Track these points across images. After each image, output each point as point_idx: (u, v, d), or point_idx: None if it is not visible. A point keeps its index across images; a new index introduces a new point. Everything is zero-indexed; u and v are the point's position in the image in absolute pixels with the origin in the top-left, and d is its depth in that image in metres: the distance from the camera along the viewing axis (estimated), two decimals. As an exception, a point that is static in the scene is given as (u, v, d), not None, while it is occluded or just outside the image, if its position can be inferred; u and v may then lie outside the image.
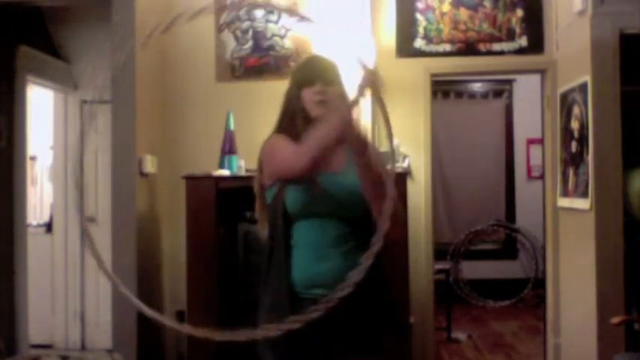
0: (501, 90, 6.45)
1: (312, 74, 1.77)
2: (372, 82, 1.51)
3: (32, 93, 4.51)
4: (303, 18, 1.59)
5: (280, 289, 1.68)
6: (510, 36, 3.84)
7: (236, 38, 3.93)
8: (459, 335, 4.88)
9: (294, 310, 1.63)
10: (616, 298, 3.03)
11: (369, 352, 1.72)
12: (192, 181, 3.38)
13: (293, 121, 1.79)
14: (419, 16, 3.86)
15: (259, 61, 3.89)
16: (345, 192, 1.69)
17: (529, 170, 6.41)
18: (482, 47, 3.85)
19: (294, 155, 1.62)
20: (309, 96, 1.76)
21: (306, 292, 1.66)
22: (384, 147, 3.69)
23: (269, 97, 3.87)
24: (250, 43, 3.91)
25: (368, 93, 1.58)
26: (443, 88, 6.19)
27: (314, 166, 1.58)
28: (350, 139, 1.57)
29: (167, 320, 1.29)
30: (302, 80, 1.78)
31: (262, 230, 1.81)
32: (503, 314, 5.78)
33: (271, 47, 3.89)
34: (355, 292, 1.64)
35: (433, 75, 3.85)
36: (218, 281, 3.26)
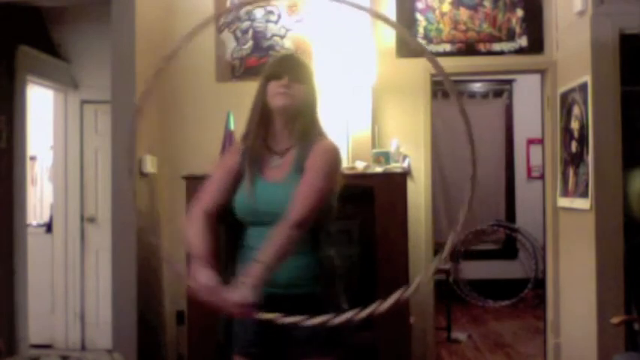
0: (501, 90, 6.45)
1: (281, 69, 1.76)
2: None
3: (32, 93, 4.51)
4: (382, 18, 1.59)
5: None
6: (510, 36, 3.84)
7: (236, 38, 3.93)
8: (459, 335, 4.88)
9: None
10: (616, 298, 3.03)
11: (332, 351, 1.72)
12: (192, 181, 3.38)
13: (254, 115, 1.79)
14: (419, 16, 3.86)
15: (259, 61, 3.89)
16: (273, 203, 1.68)
17: (529, 170, 6.41)
18: (482, 47, 3.85)
19: (194, 204, 1.77)
20: (272, 88, 1.75)
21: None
22: (383, 148, 3.69)
23: (269, 97, 3.90)
24: (250, 43, 3.91)
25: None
26: (443, 88, 6.17)
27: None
28: None
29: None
30: (270, 74, 1.78)
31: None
32: (503, 314, 5.78)
33: (271, 47, 3.89)
34: (315, 291, 1.67)
35: (433, 75, 3.85)
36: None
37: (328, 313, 1.54)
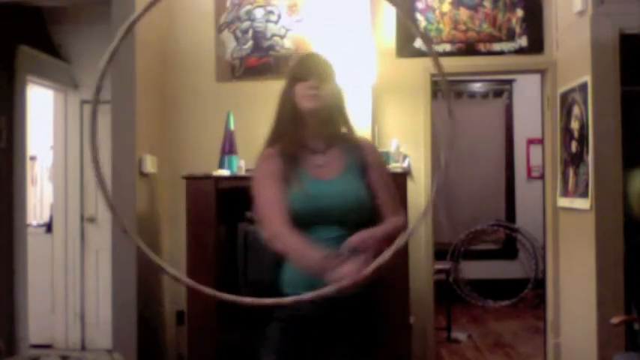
0: (501, 90, 6.45)
1: (307, 70, 1.77)
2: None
3: (32, 93, 4.51)
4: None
5: (279, 292, 1.70)
6: (510, 36, 3.84)
7: (236, 38, 3.93)
8: (459, 335, 4.88)
9: (293, 310, 1.65)
10: (616, 298, 3.03)
11: (371, 353, 1.73)
12: (192, 181, 3.38)
13: (283, 119, 1.80)
14: (419, 16, 3.86)
15: (259, 61, 3.89)
16: (337, 199, 1.69)
17: (529, 170, 6.41)
18: (482, 47, 3.85)
19: (271, 234, 1.64)
20: (301, 90, 1.75)
21: (301, 294, 1.65)
22: (383, 148, 3.69)
23: (269, 97, 3.84)
24: (250, 43, 3.91)
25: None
26: (443, 88, 6.18)
27: (274, 249, 1.63)
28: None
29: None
30: (297, 76, 1.78)
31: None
32: (503, 314, 5.78)
33: (271, 47, 3.89)
34: (356, 294, 1.67)
35: (433, 75, 3.85)
36: (218, 281, 3.26)
37: (375, 315, 1.66)
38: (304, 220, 1.68)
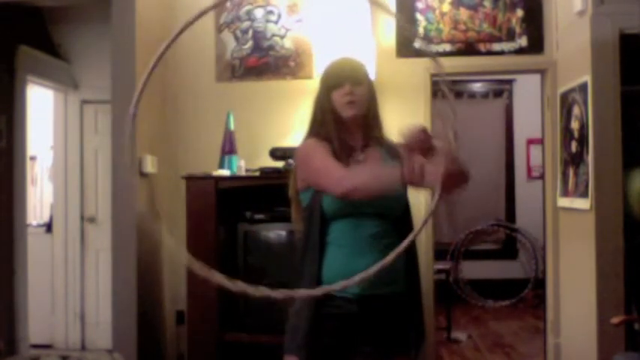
0: (501, 90, 6.45)
1: (341, 76, 1.80)
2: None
3: (32, 93, 4.51)
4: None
5: (314, 288, 1.68)
6: (510, 36, 3.84)
7: (236, 38, 3.93)
8: (459, 335, 4.88)
9: (328, 308, 1.68)
10: (616, 298, 3.03)
11: (402, 353, 1.76)
12: (192, 181, 3.38)
13: (324, 124, 1.81)
14: (419, 16, 3.86)
15: (259, 61, 3.89)
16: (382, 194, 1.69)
17: (529, 170, 6.41)
18: (482, 47, 3.85)
19: (338, 180, 1.62)
20: (338, 97, 1.78)
21: (339, 291, 1.66)
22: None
23: (269, 97, 3.90)
24: (250, 43, 3.91)
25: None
26: (443, 88, 6.18)
27: (352, 197, 1.61)
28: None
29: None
30: (331, 83, 1.81)
31: (297, 230, 1.86)
32: (503, 314, 5.78)
33: (271, 47, 3.89)
34: (389, 294, 1.68)
35: (433, 75, 3.85)
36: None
37: (415, 314, 1.71)
38: (345, 212, 1.71)
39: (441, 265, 5.17)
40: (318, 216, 1.73)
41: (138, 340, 3.28)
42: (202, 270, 1.35)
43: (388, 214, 1.75)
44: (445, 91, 1.58)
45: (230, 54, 3.93)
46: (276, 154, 3.40)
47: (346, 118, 1.79)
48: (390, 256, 1.29)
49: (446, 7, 3.86)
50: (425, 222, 1.37)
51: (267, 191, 3.01)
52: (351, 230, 1.72)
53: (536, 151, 5.78)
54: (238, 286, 1.30)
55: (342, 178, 1.62)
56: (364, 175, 1.62)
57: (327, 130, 1.79)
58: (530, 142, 6.30)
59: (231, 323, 3.36)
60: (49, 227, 4.79)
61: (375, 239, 1.71)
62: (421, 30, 3.86)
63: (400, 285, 1.74)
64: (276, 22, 3.90)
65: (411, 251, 1.78)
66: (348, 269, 1.65)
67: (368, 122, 1.83)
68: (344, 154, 1.77)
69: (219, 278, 1.37)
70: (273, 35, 3.90)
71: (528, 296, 6.06)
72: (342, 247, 1.72)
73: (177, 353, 3.79)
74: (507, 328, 5.21)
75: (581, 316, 3.32)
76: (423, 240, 3.81)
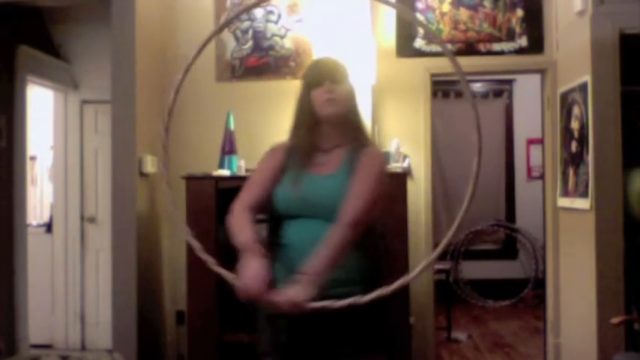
0: (501, 90, 6.45)
1: (320, 74, 1.81)
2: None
3: (32, 93, 4.51)
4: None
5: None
6: (510, 36, 3.84)
7: (236, 38, 3.93)
8: (459, 335, 4.88)
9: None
10: (616, 298, 3.03)
11: (373, 351, 1.75)
12: (192, 181, 3.38)
13: (299, 124, 1.84)
14: (419, 16, 3.86)
15: (259, 61, 3.89)
16: (330, 196, 1.72)
17: (529, 170, 6.40)
18: (482, 47, 3.85)
19: (231, 209, 1.79)
20: (318, 96, 1.79)
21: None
22: (383, 148, 3.69)
23: (269, 97, 3.89)
24: (250, 43, 3.91)
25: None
26: (443, 88, 6.18)
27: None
28: None
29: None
30: (311, 81, 1.82)
31: None
32: (503, 314, 5.78)
33: (271, 47, 3.89)
34: (343, 295, 1.68)
35: (433, 75, 3.85)
36: (218, 281, 3.26)
37: (374, 317, 1.69)
38: (285, 212, 1.76)
39: (441, 265, 5.17)
40: (270, 216, 1.81)
41: (138, 340, 3.28)
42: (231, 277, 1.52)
43: (334, 217, 1.70)
44: (466, 92, 1.61)
45: (230, 54, 3.93)
46: (276, 154, 3.40)
47: (324, 116, 1.79)
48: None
49: (446, 7, 3.86)
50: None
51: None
52: (301, 231, 1.74)
53: (536, 151, 5.77)
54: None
55: (232, 210, 1.78)
56: (236, 225, 1.74)
57: (299, 131, 1.83)
58: (530, 142, 6.30)
59: (231, 323, 3.36)
60: (49, 227, 4.79)
61: (318, 239, 1.69)
62: (421, 30, 3.86)
63: (358, 287, 1.70)
64: (276, 22, 3.90)
65: (370, 251, 1.78)
66: (296, 269, 1.67)
67: (346, 122, 1.82)
68: (303, 155, 1.79)
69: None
70: (273, 35, 3.90)
71: (528, 296, 6.06)
72: (292, 249, 1.74)
73: (177, 353, 3.79)
74: (507, 328, 5.21)
75: (581, 316, 3.32)
76: (423, 240, 3.82)
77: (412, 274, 1.67)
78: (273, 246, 1.78)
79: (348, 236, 1.65)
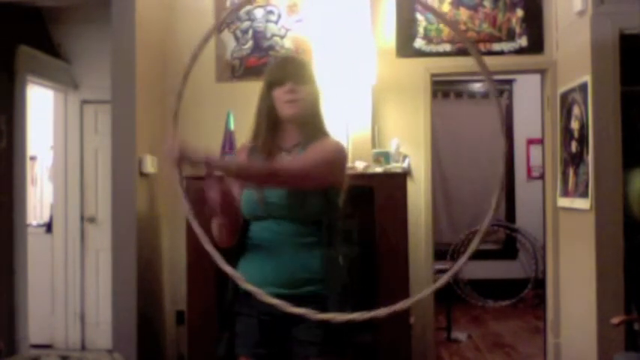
0: (501, 90, 6.45)
1: (283, 74, 1.76)
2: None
3: (32, 93, 4.51)
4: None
5: (236, 288, 1.73)
6: (510, 36, 3.84)
7: (236, 38, 3.93)
8: (459, 335, 4.88)
9: (245, 307, 1.73)
10: (616, 298, 3.03)
11: (335, 352, 1.73)
12: (192, 181, 3.38)
13: (258, 124, 1.81)
14: (419, 16, 3.86)
15: (259, 61, 3.89)
16: (291, 195, 1.70)
17: (529, 170, 6.41)
18: (482, 47, 3.85)
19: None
20: (279, 96, 1.75)
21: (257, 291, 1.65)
22: (383, 148, 3.69)
23: (269, 97, 3.89)
24: (250, 43, 3.91)
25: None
26: (443, 88, 6.18)
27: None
28: None
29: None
30: (273, 80, 1.78)
31: None
32: (503, 314, 5.78)
33: (271, 47, 3.89)
34: (305, 294, 1.67)
35: (433, 75, 3.85)
36: (218, 281, 3.26)
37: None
38: (250, 214, 1.76)
39: (440, 265, 5.16)
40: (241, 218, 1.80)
41: (138, 340, 3.28)
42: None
43: (298, 217, 1.71)
44: (491, 89, 1.60)
45: (230, 54, 3.93)
46: (276, 154, 3.40)
47: (284, 117, 1.76)
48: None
49: (446, 7, 3.86)
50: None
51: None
52: (266, 232, 1.73)
53: (536, 151, 5.78)
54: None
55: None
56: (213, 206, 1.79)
57: (259, 132, 1.80)
58: (530, 142, 6.30)
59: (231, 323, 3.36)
60: (49, 227, 4.79)
61: (289, 241, 1.70)
62: (421, 30, 3.86)
63: (318, 285, 1.70)
64: (276, 22, 3.90)
65: (335, 253, 1.77)
66: (262, 269, 1.70)
67: (307, 122, 1.78)
68: (265, 156, 1.77)
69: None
70: (273, 35, 3.90)
71: (528, 296, 6.05)
72: (258, 249, 1.74)
73: (177, 353, 3.79)
74: (507, 328, 5.21)
75: (581, 316, 3.32)
76: (423, 240, 3.81)
77: (412, 300, 1.66)
78: (244, 247, 1.79)
79: (265, 174, 1.64)
